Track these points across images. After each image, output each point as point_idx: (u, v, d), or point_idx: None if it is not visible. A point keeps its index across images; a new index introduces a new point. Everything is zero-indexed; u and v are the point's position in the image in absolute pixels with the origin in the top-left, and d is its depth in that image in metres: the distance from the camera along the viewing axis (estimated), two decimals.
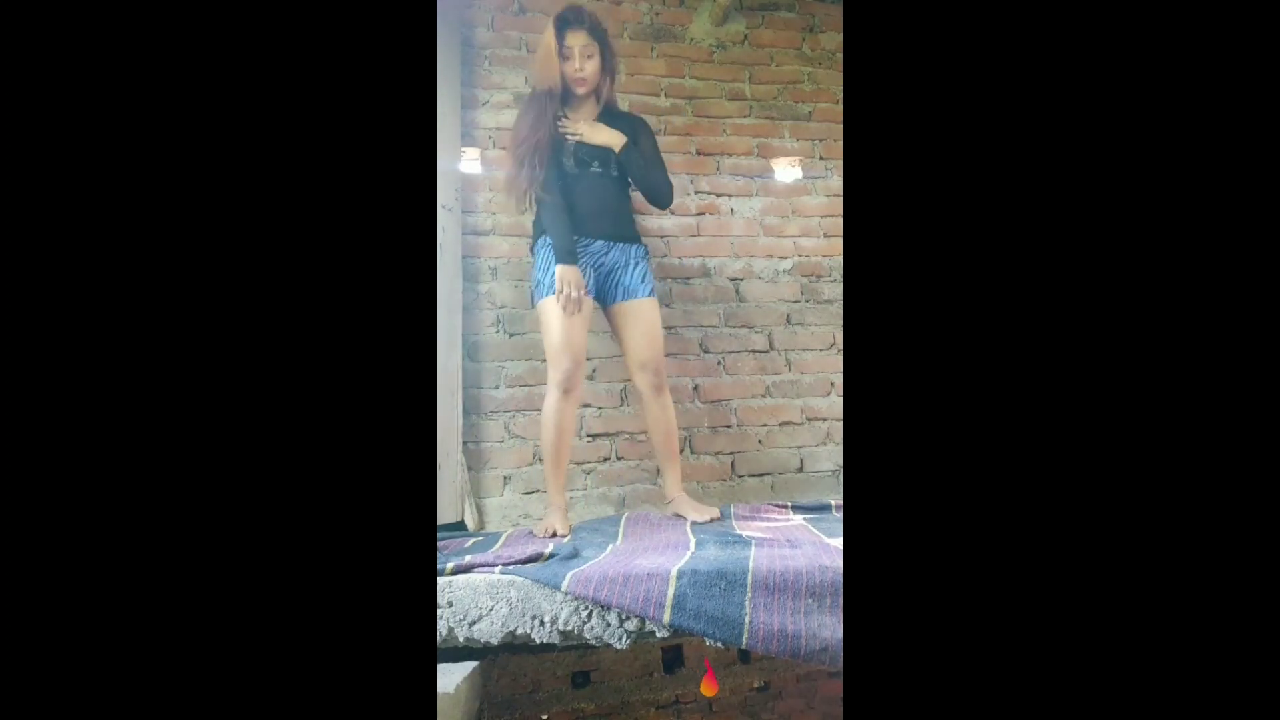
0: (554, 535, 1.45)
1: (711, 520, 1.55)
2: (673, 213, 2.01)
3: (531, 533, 1.50)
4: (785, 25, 2.21)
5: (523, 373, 1.88)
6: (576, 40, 1.54)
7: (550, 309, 1.53)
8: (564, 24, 1.54)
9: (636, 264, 1.61)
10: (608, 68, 1.60)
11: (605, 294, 1.61)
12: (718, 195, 2.09)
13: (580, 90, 1.57)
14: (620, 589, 1.03)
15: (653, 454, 1.71)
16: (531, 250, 1.65)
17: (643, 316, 1.59)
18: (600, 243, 1.58)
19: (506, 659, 1.51)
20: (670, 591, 1.02)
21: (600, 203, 1.57)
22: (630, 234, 1.63)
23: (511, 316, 1.89)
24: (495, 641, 1.07)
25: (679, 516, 1.59)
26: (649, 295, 1.61)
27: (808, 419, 2.03)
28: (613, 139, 1.58)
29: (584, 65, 1.55)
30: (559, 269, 1.50)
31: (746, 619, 0.99)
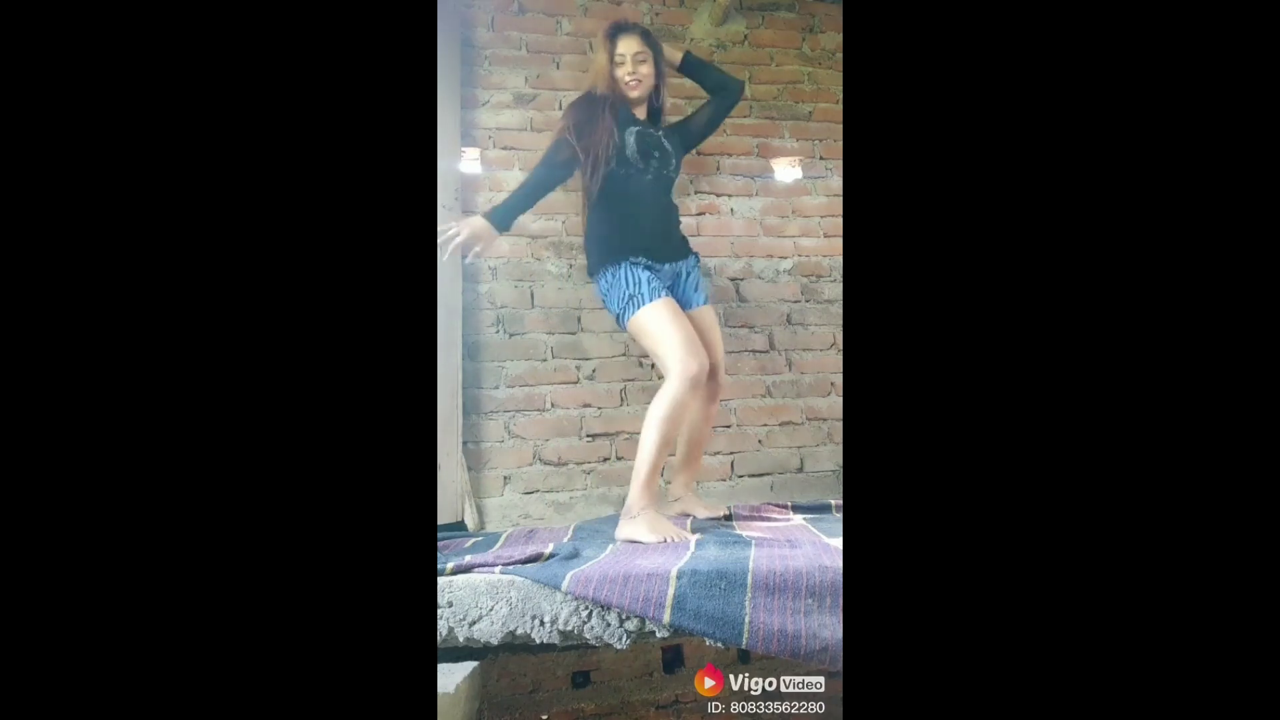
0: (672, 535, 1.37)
1: (722, 517, 1.57)
2: None
3: (533, 532, 1.50)
4: (785, 25, 2.21)
5: (523, 373, 1.88)
6: (629, 47, 1.56)
7: (651, 315, 1.46)
8: (616, 31, 1.56)
9: (689, 274, 1.62)
10: (660, 73, 1.60)
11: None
12: (718, 195, 2.09)
13: (634, 94, 1.57)
14: (620, 589, 1.03)
15: None
16: (593, 276, 1.57)
17: (700, 325, 1.57)
18: (669, 264, 1.57)
19: (506, 659, 1.51)
20: (670, 591, 1.02)
21: (657, 219, 1.57)
22: (685, 249, 1.63)
23: (511, 316, 1.89)
24: (495, 641, 1.07)
25: (684, 515, 1.59)
26: (705, 304, 1.62)
27: (808, 419, 2.03)
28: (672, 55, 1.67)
29: (637, 69, 1.56)
30: (475, 221, 1.41)
31: (746, 619, 0.99)
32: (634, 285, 1.48)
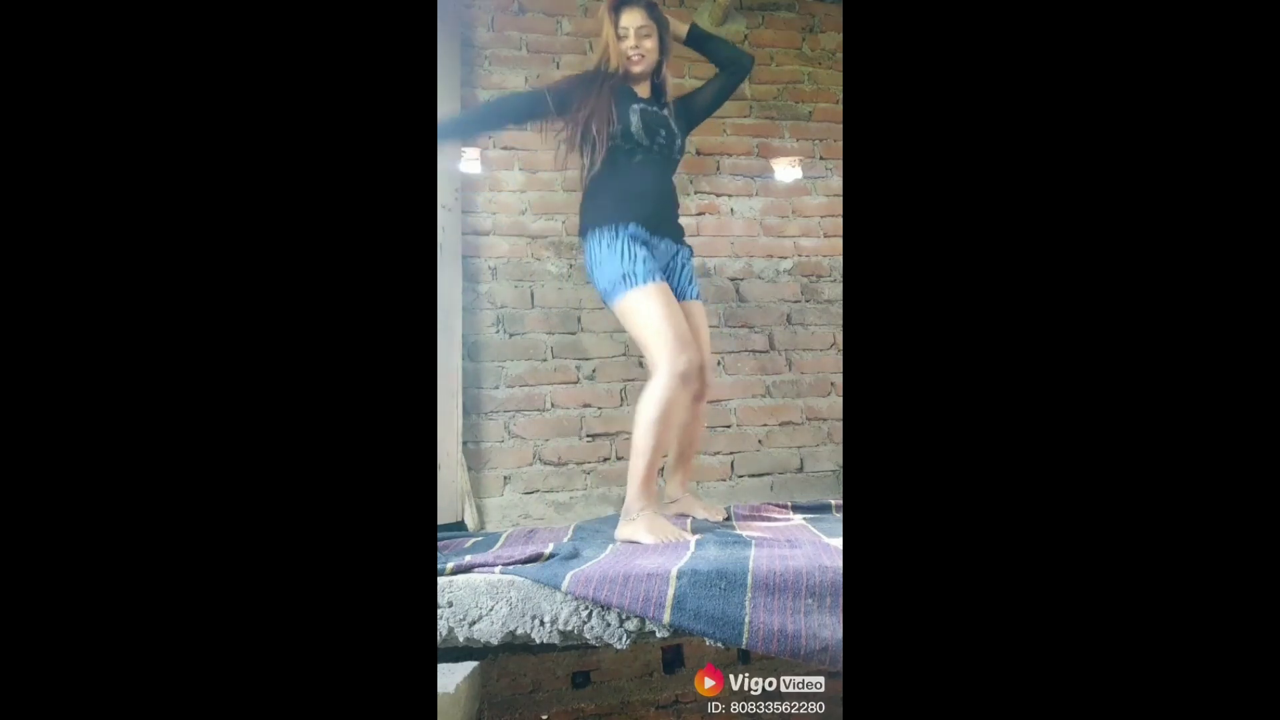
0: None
1: (721, 521, 1.55)
2: None
3: (533, 532, 1.50)
4: (785, 25, 2.21)
5: (523, 373, 1.88)
6: (633, 20, 1.50)
7: (643, 299, 1.36)
8: (620, 4, 1.51)
9: (684, 265, 1.58)
10: (665, 48, 1.55)
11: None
12: (718, 195, 2.09)
13: (637, 69, 1.51)
14: (620, 589, 1.03)
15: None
16: (583, 236, 1.48)
17: (691, 319, 1.50)
18: (667, 242, 1.53)
19: (506, 659, 1.51)
20: (670, 591, 1.02)
21: (660, 197, 1.51)
22: (681, 236, 1.59)
23: (511, 316, 1.89)
24: (495, 641, 1.07)
25: (682, 516, 1.59)
26: (697, 297, 1.57)
27: (808, 419, 2.03)
28: (677, 27, 1.58)
29: (640, 43, 1.50)
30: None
31: (746, 619, 0.99)
32: (629, 262, 1.39)
